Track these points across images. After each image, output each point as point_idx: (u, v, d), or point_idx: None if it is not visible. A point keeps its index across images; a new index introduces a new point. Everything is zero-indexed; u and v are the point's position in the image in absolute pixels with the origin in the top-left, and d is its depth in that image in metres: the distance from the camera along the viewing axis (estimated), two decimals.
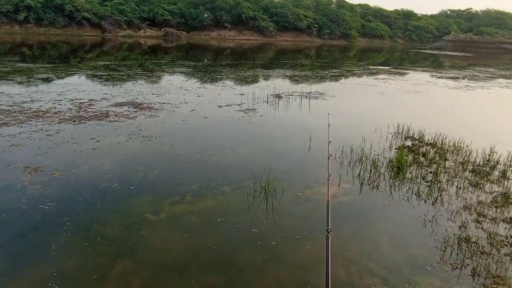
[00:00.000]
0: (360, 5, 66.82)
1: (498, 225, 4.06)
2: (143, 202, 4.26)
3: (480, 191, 4.95)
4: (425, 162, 5.92)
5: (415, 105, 11.37)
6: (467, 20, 73.84)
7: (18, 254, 3.26)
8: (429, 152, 6.41)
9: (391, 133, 7.51)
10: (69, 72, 14.53)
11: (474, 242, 3.68)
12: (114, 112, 8.29)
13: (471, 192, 4.90)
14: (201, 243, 3.52)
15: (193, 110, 8.83)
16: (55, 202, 4.16)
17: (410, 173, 5.46)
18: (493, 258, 3.44)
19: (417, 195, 4.75)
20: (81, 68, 16.04)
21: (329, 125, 5.94)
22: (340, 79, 16.74)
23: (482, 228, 3.99)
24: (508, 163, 5.93)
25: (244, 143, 6.60)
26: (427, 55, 39.65)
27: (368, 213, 4.34)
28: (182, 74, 15.27)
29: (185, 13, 46.59)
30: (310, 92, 11.92)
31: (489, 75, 21.50)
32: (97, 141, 6.26)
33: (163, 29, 44.21)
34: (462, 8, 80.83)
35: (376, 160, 5.82)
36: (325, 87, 13.43)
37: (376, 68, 21.99)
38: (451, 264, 3.36)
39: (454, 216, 4.23)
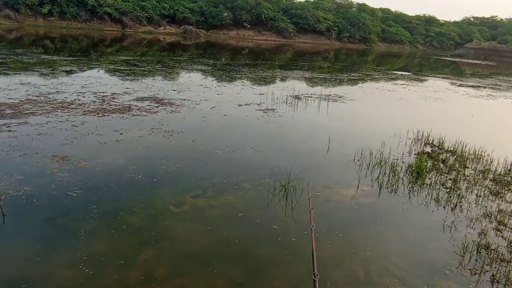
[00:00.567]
0: (381, 9, 66.17)
1: None
2: (166, 194, 4.38)
3: (500, 200, 4.92)
4: (444, 169, 5.90)
5: (435, 112, 11.26)
6: (491, 28, 72.36)
7: (50, 236, 3.42)
8: (449, 159, 6.37)
9: (410, 139, 7.48)
10: (91, 65, 14.87)
11: (494, 250, 3.68)
12: (136, 106, 8.48)
13: (491, 201, 4.88)
14: (223, 236, 3.62)
15: (213, 107, 8.96)
16: (82, 190, 4.32)
17: (429, 179, 5.46)
18: None
19: (436, 201, 4.76)
20: (103, 62, 16.38)
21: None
22: (359, 83, 16.67)
23: (502, 236, 3.98)
24: None
25: (263, 142, 6.68)
26: (447, 62, 39.04)
27: (387, 216, 4.37)
28: (201, 72, 15.45)
29: (205, 11, 46.99)
30: (329, 95, 11.94)
31: None
32: (121, 134, 6.43)
33: (183, 26, 44.68)
34: (487, 16, 79.22)
35: (395, 165, 5.83)
36: (343, 90, 13.42)
37: (395, 73, 21.79)
38: (469, 269, 3.37)
39: (474, 223, 4.23)
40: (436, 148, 6.99)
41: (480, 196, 4.99)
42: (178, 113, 8.14)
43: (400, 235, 3.92)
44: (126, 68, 14.67)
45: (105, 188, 4.41)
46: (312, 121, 8.68)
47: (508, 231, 4.11)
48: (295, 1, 55.78)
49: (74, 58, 16.40)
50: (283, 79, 15.28)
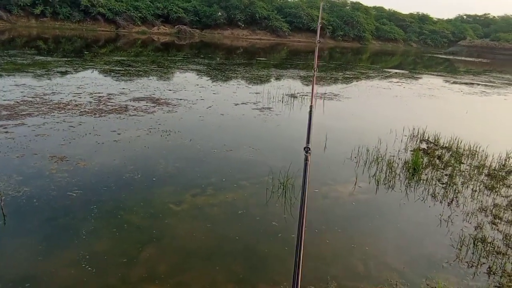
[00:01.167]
0: (375, 8, 66.41)
1: None
2: (166, 193, 4.41)
3: (496, 194, 5.00)
4: (440, 165, 5.98)
5: (430, 109, 11.37)
6: (484, 25, 72.89)
7: (51, 236, 3.43)
8: (445, 155, 6.45)
9: (406, 136, 7.56)
10: (86, 66, 14.81)
11: (490, 243, 3.75)
12: (133, 106, 8.48)
13: (487, 195, 4.96)
14: (223, 233, 3.66)
15: (209, 107, 8.98)
16: (81, 190, 4.33)
17: (426, 174, 5.53)
18: (509, 258, 3.51)
19: (432, 196, 4.82)
20: (97, 62, 16.32)
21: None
22: (354, 81, 16.77)
23: (498, 229, 4.06)
24: None
25: (261, 140, 6.72)
26: (441, 60, 39.34)
27: (384, 211, 4.43)
28: (197, 72, 15.45)
29: (199, 11, 46.89)
30: (325, 93, 12.00)
31: (506, 81, 21.31)
32: (118, 134, 6.43)
33: (177, 26, 44.54)
34: (479, 13, 79.70)
35: (392, 161, 5.89)
36: (339, 89, 13.49)
37: (390, 71, 21.93)
38: (467, 262, 3.44)
39: (470, 217, 4.30)
40: (432, 145, 7.08)
41: (475, 191, 5.06)
42: (175, 113, 8.16)
43: (397, 230, 3.98)
44: (121, 69, 14.63)
45: (104, 188, 4.42)
46: None
47: (503, 224, 4.19)
48: (289, 0, 55.85)
49: (68, 59, 16.33)
50: (278, 78, 15.33)
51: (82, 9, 39.20)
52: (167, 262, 3.18)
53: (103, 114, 7.62)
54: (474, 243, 3.73)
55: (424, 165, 5.81)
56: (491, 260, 3.48)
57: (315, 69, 2.64)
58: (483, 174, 5.71)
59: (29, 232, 3.47)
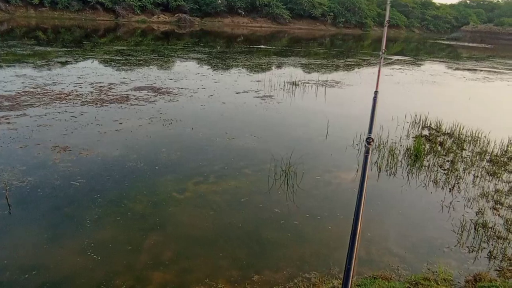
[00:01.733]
0: None
1: None
2: (169, 181, 4.44)
3: (497, 180, 5.01)
4: (442, 151, 5.98)
5: (432, 96, 11.31)
6: (487, 10, 71.81)
7: (56, 225, 3.47)
8: (446, 141, 6.45)
9: (408, 122, 7.54)
10: (86, 56, 14.74)
11: (491, 228, 3.77)
12: (134, 96, 8.47)
13: (488, 181, 4.97)
14: (226, 220, 3.69)
15: (211, 95, 8.96)
16: (85, 179, 4.36)
17: (427, 161, 5.54)
18: (509, 242, 3.54)
19: (434, 182, 4.84)
20: (97, 52, 16.23)
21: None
22: (356, 68, 16.65)
23: (499, 214, 4.08)
24: None
25: (262, 128, 6.72)
26: (444, 46, 38.94)
27: (386, 198, 4.45)
28: (197, 60, 15.37)
29: None
30: (326, 81, 11.94)
31: (509, 67, 21.12)
32: (120, 123, 6.44)
33: (177, 15, 44.11)
34: None
35: (394, 148, 5.89)
36: (340, 76, 13.42)
37: (392, 58, 21.74)
38: (467, 247, 3.47)
39: (471, 203, 4.32)
40: (434, 131, 7.06)
41: (477, 176, 5.07)
42: (176, 102, 8.15)
43: (399, 216, 4.01)
44: (121, 58, 14.57)
45: (107, 177, 4.45)
46: (310, 107, 8.71)
47: (504, 209, 4.21)
48: None
49: (68, 49, 16.25)
50: (279, 66, 15.23)
51: None
52: (171, 249, 3.22)
53: (104, 104, 7.62)
54: (475, 228, 3.76)
55: (426, 152, 5.82)
56: (492, 244, 3.51)
57: (383, 51, 2.46)
58: (485, 160, 5.71)
59: (34, 221, 3.52)
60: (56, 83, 9.21)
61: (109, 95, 8.38)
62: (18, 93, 8.01)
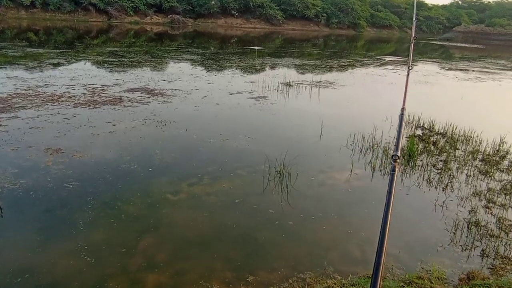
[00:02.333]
0: None
1: (507, 211, 4.19)
2: (163, 183, 4.42)
3: (489, 179, 5.06)
4: (435, 151, 6.02)
5: (425, 96, 11.39)
6: (479, 11, 72.48)
7: (49, 228, 3.44)
8: (440, 141, 6.50)
9: None
10: (79, 57, 14.65)
11: (484, 226, 3.81)
12: (128, 97, 8.42)
13: (481, 180, 5.02)
14: (221, 222, 3.68)
15: (205, 96, 8.95)
16: (78, 181, 4.33)
17: (421, 161, 5.57)
18: (501, 241, 3.57)
19: (427, 182, 4.87)
20: (90, 54, 16.14)
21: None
22: (349, 68, 16.73)
23: (491, 213, 4.12)
24: None
25: (256, 129, 6.72)
26: (436, 46, 39.27)
27: (380, 198, 4.46)
28: (191, 62, 15.34)
29: (192, 0, 46.25)
30: (320, 81, 11.98)
31: (500, 67, 21.35)
32: (113, 125, 6.40)
33: (170, 16, 43.97)
34: None
35: (387, 148, 5.93)
36: (334, 77, 13.47)
37: (385, 59, 21.88)
38: (461, 245, 3.50)
39: (464, 202, 4.36)
40: (427, 131, 7.12)
41: (470, 176, 5.12)
42: (170, 103, 8.12)
43: (393, 216, 3.99)
44: (114, 60, 14.49)
45: (101, 179, 4.42)
46: (304, 107, 8.73)
47: (497, 208, 4.25)
48: None
49: (60, 51, 16.13)
50: (273, 67, 15.25)
51: None
52: (165, 251, 3.21)
53: (97, 106, 7.57)
54: (468, 227, 3.79)
55: (419, 151, 5.85)
56: (485, 243, 3.54)
57: (410, 67, 2.26)
58: (478, 159, 5.76)
59: (27, 224, 3.48)
60: (48, 85, 9.13)
61: (102, 97, 8.33)
62: (10, 95, 7.93)
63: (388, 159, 5.53)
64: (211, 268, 3.01)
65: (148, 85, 9.91)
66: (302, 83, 11.42)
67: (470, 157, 5.81)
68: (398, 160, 1.36)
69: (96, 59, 14.45)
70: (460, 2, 78.33)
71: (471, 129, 6.95)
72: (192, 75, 11.88)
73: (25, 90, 8.49)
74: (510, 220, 3.98)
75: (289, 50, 23.96)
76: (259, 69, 14.24)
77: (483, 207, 4.25)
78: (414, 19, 3.08)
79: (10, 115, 6.54)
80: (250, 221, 3.74)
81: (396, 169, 1.33)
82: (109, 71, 11.81)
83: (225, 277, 2.90)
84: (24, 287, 2.69)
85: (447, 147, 6.18)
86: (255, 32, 41.08)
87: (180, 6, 45.18)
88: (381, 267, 1.05)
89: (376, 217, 3.99)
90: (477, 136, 6.71)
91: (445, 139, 6.63)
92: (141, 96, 8.58)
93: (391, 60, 21.16)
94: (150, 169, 4.77)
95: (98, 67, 12.58)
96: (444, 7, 74.08)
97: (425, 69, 17.99)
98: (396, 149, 1.43)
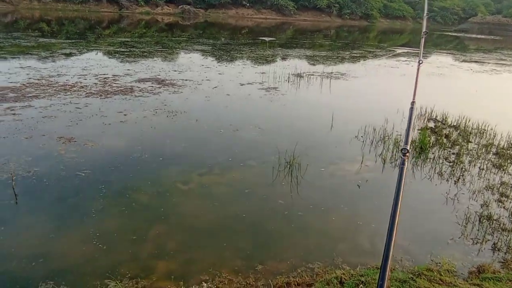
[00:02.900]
0: None
1: None
2: (173, 173, 4.45)
3: (503, 172, 4.98)
4: (447, 144, 5.94)
5: (438, 88, 11.20)
6: (496, 1, 70.59)
7: (62, 215, 3.51)
8: (452, 134, 6.40)
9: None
10: (90, 48, 14.74)
11: (496, 220, 3.76)
12: (138, 87, 8.47)
13: (494, 174, 4.94)
14: (230, 211, 3.71)
15: (215, 87, 8.95)
16: (90, 170, 4.39)
17: (433, 153, 5.51)
18: None
19: (439, 175, 4.82)
20: (101, 44, 16.22)
21: None
22: (361, 60, 16.52)
23: (504, 207, 4.06)
24: None
25: (267, 120, 6.71)
26: (451, 38, 38.46)
27: (390, 190, 4.42)
28: (202, 52, 15.31)
29: None
30: (331, 72, 11.86)
31: None
32: (125, 115, 6.46)
33: (181, 6, 43.84)
34: None
35: (399, 140, 5.86)
36: (346, 68, 13.32)
37: (398, 50, 21.54)
38: (472, 238, 3.46)
39: (476, 195, 4.30)
40: (440, 124, 7.01)
41: (483, 169, 5.04)
42: (181, 94, 8.14)
43: (403, 208, 3.97)
44: (125, 50, 14.55)
45: (112, 168, 4.47)
46: (315, 99, 8.67)
47: (510, 202, 4.19)
48: None
49: (72, 41, 16.24)
50: (284, 58, 15.15)
51: None
52: (175, 240, 3.25)
53: (109, 95, 7.63)
54: (479, 220, 3.74)
55: (431, 144, 5.78)
56: (496, 237, 3.50)
57: (420, 61, 2.26)
58: (491, 152, 5.67)
59: (41, 211, 3.56)
60: (60, 75, 9.23)
61: (114, 87, 8.39)
62: (23, 84, 8.04)
63: (399, 151, 5.48)
64: (221, 256, 3.04)
65: (159, 75, 9.94)
66: (313, 74, 11.32)
67: (483, 150, 5.72)
68: (407, 154, 1.36)
69: (108, 49, 14.53)
70: None
71: (485, 122, 6.82)
72: (202, 65, 11.88)
73: (38, 79, 8.60)
74: None
75: (300, 41, 23.74)
76: (270, 60, 14.15)
77: (495, 201, 4.19)
78: (424, 14, 3.02)
79: (24, 104, 6.64)
80: (259, 211, 3.75)
81: (406, 163, 1.33)
82: (120, 61, 11.87)
83: (234, 266, 2.93)
84: (38, 272, 2.76)
85: (460, 140, 6.09)
86: (266, 23, 40.75)
87: None
88: (389, 260, 1.06)
89: (386, 209, 3.95)
90: (491, 129, 6.59)
91: (458, 131, 6.53)
92: (152, 86, 8.62)
93: (404, 52, 20.82)
94: (161, 159, 4.81)
95: (109, 57, 12.65)
96: None
97: (439, 61, 17.67)
98: (406, 143, 1.43)
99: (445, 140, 6.09)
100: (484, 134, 6.44)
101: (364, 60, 16.58)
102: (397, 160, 5.20)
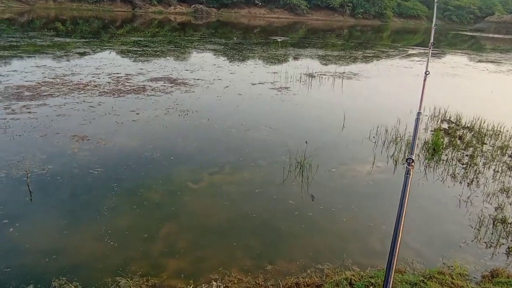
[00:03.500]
0: None
1: None
2: (184, 172, 4.49)
3: None
4: (461, 145, 5.84)
5: (453, 88, 11.03)
6: None
7: (75, 212, 3.57)
8: (466, 135, 6.30)
9: (426, 116, 7.39)
10: (104, 47, 14.93)
11: (511, 223, 3.68)
12: (151, 86, 8.55)
13: (509, 176, 4.84)
14: (241, 211, 3.72)
15: (227, 87, 8.97)
16: (103, 168, 4.45)
17: (446, 155, 5.43)
18: None
19: (452, 177, 4.74)
20: (114, 43, 16.42)
21: None
22: (374, 60, 16.36)
23: None
24: None
25: (278, 120, 6.70)
26: (466, 37, 37.80)
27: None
28: (214, 52, 15.37)
29: None
30: (343, 72, 11.78)
31: None
32: (137, 114, 6.53)
33: (193, 5, 44.09)
34: None
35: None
36: (358, 68, 13.21)
37: (411, 50, 21.27)
38: (485, 242, 3.40)
39: (490, 198, 4.23)
40: (453, 125, 6.90)
41: (497, 171, 4.95)
42: (193, 93, 8.19)
43: (416, 210, 3.95)
44: (138, 49, 14.70)
45: (124, 167, 4.53)
46: (327, 99, 8.62)
47: None
48: None
49: (86, 40, 16.48)
50: (296, 58, 15.10)
51: None
52: (186, 238, 3.27)
53: (121, 94, 7.72)
54: (493, 224, 3.68)
55: (444, 146, 5.70)
56: (511, 240, 3.43)
57: (427, 72, 2.32)
58: (507, 154, 5.56)
59: (54, 207, 3.62)
60: (74, 74, 9.38)
61: (126, 86, 8.48)
62: (38, 83, 8.19)
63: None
64: (231, 256, 3.05)
65: (171, 74, 10.02)
66: (325, 74, 11.26)
67: (498, 152, 5.61)
68: (412, 164, 1.35)
69: (121, 49, 14.70)
70: None
71: (501, 123, 6.69)
72: (214, 65, 11.92)
73: (53, 78, 8.75)
74: None
75: (312, 41, 23.63)
76: (282, 60, 14.13)
77: (510, 204, 4.11)
78: (433, 25, 2.96)
79: (39, 103, 6.77)
80: (269, 211, 3.76)
81: (411, 173, 1.31)
82: (133, 61, 12.00)
83: (244, 265, 2.94)
84: (51, 268, 2.81)
85: (474, 142, 5.99)
86: (278, 22, 40.68)
87: None
88: (393, 266, 1.04)
89: (397, 211, 3.92)
90: (507, 131, 6.46)
91: (472, 133, 6.42)
92: (164, 86, 8.69)
93: (417, 52, 20.54)
94: (172, 158, 4.85)
95: (122, 57, 12.79)
96: None
97: (454, 61, 17.39)
98: (411, 153, 1.41)
99: (458, 141, 5.99)
100: (500, 135, 6.32)
101: (377, 60, 16.42)
102: None
